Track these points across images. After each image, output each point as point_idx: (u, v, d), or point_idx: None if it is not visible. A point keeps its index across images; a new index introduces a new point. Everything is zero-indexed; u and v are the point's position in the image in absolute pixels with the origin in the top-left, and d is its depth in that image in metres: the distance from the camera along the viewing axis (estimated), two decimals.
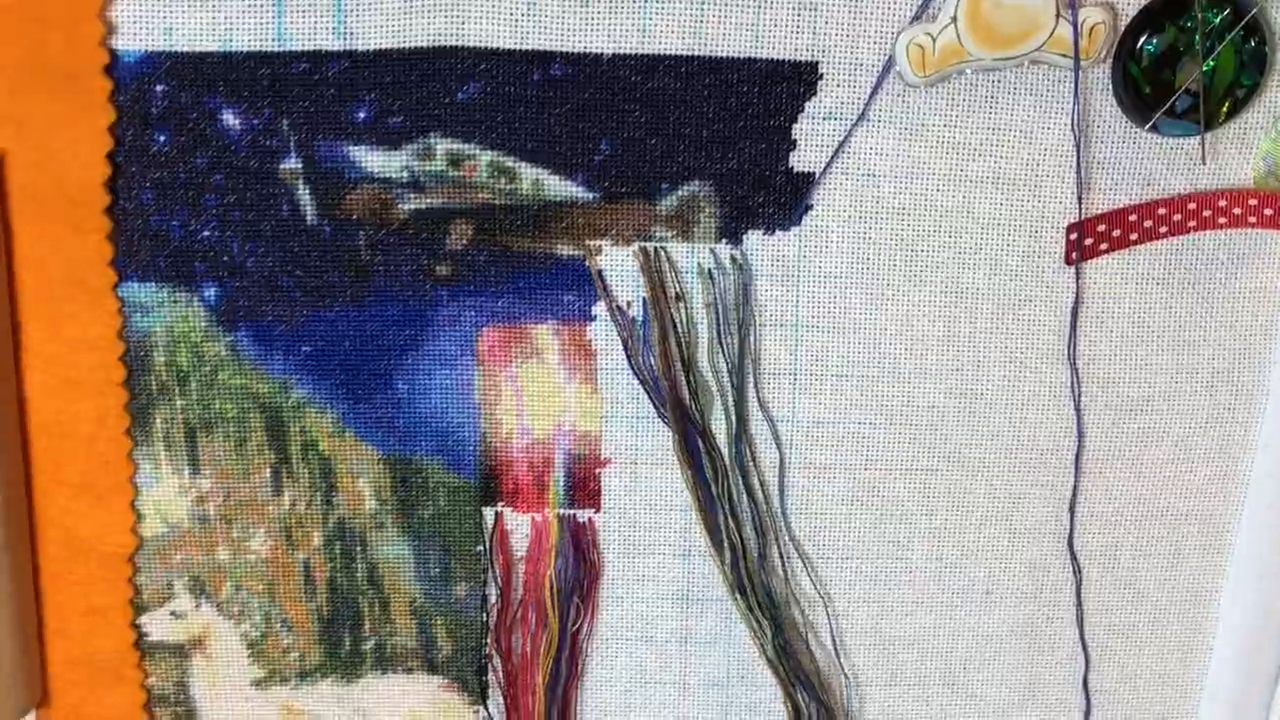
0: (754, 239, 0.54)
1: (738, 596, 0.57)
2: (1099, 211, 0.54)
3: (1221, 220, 0.54)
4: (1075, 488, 0.58)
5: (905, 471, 0.57)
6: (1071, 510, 0.58)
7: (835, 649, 0.60)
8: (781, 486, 0.57)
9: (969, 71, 0.51)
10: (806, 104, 0.52)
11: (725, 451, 0.56)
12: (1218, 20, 0.51)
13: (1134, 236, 0.55)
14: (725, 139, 0.52)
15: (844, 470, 0.57)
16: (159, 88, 0.50)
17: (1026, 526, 0.59)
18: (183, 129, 0.51)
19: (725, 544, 0.56)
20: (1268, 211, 0.54)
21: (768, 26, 0.51)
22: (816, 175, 0.53)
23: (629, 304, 0.54)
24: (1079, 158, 0.53)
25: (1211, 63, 0.51)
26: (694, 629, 0.59)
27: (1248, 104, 0.53)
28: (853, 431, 0.57)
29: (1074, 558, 0.59)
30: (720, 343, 0.55)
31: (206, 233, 0.52)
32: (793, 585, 0.59)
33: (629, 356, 0.55)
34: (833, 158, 0.52)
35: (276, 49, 0.50)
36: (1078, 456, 0.58)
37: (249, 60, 0.50)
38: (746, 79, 0.51)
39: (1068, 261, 0.55)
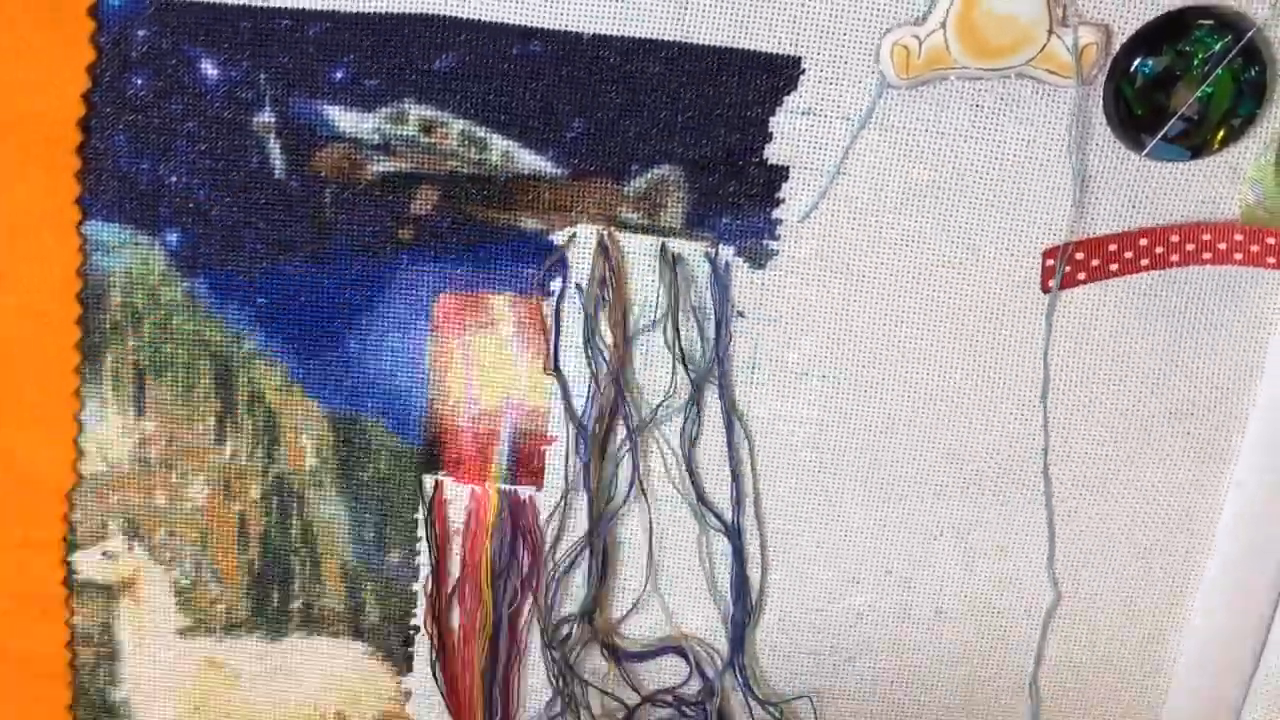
0: (719, 228, 0.53)
1: None
2: (1082, 232, 0.53)
3: (1206, 256, 0.53)
4: (1049, 507, 0.57)
5: (859, 480, 0.56)
6: (1050, 531, 0.57)
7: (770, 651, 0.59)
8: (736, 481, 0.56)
9: (953, 78, 0.50)
10: (786, 98, 0.51)
11: (678, 444, 0.55)
12: (1218, 46, 0.50)
13: (1114, 267, 0.53)
14: (700, 126, 0.52)
15: (794, 471, 0.56)
16: (141, 32, 0.50)
17: (985, 547, 0.57)
18: (160, 74, 0.51)
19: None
20: (1254, 248, 0.52)
21: (752, 18, 0.50)
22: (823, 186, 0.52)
23: (588, 283, 0.54)
24: (1076, 182, 0.52)
25: (1208, 89, 0.50)
26: None
27: (1243, 133, 0.51)
28: (807, 433, 0.56)
29: (1053, 581, 0.58)
30: (677, 330, 0.54)
31: (174, 178, 0.52)
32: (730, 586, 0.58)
33: (555, 333, 0.54)
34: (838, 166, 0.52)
35: (261, 4, 0.50)
36: (1045, 474, 0.56)
37: (232, 12, 0.50)
38: (726, 68, 0.51)
39: (1044, 289, 0.53)
